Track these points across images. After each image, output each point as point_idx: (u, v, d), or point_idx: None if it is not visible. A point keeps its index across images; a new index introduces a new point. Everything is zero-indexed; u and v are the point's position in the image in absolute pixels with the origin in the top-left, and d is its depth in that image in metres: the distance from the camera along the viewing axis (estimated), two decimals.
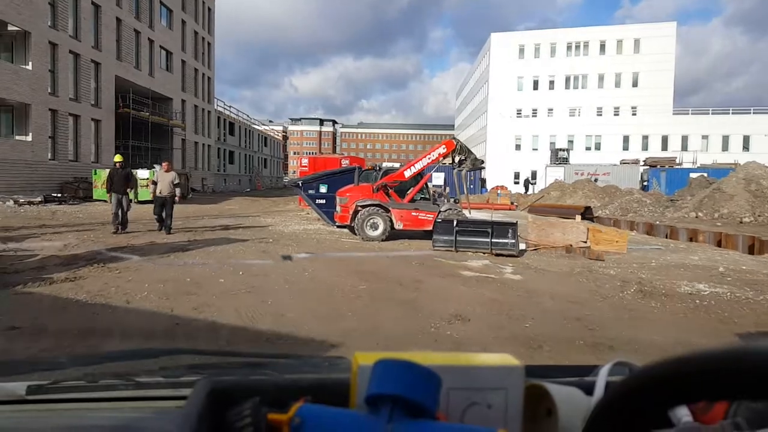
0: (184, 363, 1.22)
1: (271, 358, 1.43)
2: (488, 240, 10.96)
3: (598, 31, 51.07)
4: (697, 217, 24.03)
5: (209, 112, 44.96)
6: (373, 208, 13.16)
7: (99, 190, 22.69)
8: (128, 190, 11.51)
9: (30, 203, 19.82)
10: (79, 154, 25.41)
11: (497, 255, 10.49)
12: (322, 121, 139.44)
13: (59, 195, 22.88)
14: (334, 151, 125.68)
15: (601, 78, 50.16)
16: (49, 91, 23.05)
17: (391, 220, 13.20)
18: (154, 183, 11.86)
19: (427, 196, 14.50)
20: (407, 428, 0.54)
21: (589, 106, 49.54)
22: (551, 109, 51.08)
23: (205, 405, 0.63)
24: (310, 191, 15.99)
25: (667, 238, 15.39)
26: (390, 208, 13.27)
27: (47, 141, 22.95)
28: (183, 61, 39.02)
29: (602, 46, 50.06)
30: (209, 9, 45.04)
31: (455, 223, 11.41)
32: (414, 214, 13.57)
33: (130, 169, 11.85)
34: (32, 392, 0.87)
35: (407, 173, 14.01)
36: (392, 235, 13.03)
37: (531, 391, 0.67)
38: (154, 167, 23.92)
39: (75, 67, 24.96)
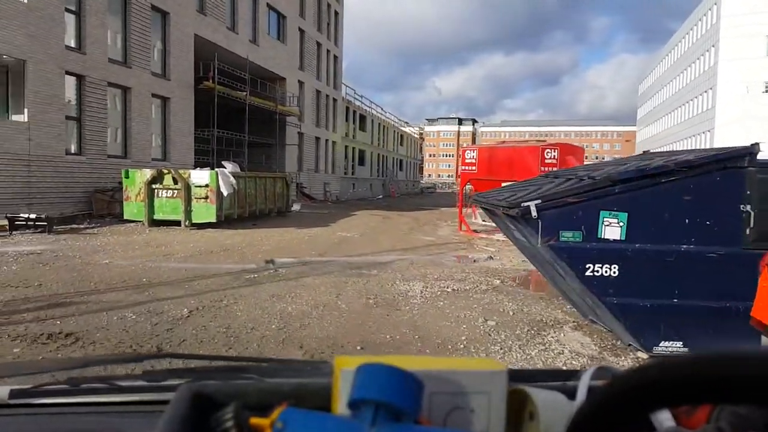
0: (167, 367, 1.17)
1: (253, 362, 1.34)
2: None
3: None
4: None
5: (335, 100, 35.60)
6: None
7: (131, 204, 13.44)
8: None
9: (33, 223, 11.47)
10: (130, 147, 16.61)
11: None
12: (461, 120, 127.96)
13: (85, 213, 14.14)
14: None
15: None
16: (68, 43, 14.34)
17: None
18: None
19: None
20: None
21: None
22: None
23: (188, 409, 0.63)
24: (558, 233, 4.36)
25: None
26: None
27: (60, 124, 14.11)
28: (301, 30, 29.85)
29: None
30: None
31: None
32: None
33: None
34: (15, 396, 0.87)
35: None
36: None
37: (514, 396, 0.67)
38: (223, 165, 14.17)
39: (123, 11, 16.23)
